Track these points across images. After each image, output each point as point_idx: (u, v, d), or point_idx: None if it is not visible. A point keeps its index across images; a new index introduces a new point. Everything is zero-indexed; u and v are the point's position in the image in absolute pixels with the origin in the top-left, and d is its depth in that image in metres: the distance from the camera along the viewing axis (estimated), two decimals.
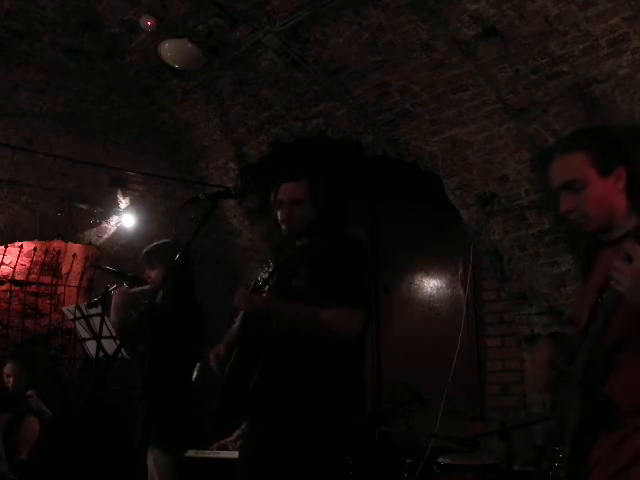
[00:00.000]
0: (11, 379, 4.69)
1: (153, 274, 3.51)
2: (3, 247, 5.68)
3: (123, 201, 5.78)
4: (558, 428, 1.70)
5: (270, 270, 2.57)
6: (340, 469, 2.45)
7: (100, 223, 5.71)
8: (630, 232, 1.66)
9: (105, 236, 5.77)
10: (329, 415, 2.33)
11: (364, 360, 2.58)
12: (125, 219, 5.76)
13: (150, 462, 3.31)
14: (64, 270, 6.33)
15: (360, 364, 2.54)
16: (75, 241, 5.78)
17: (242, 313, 2.50)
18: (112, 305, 3.40)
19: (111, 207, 5.73)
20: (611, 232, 1.78)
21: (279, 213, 2.59)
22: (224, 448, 4.39)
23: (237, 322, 2.56)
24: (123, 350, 3.37)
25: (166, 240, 3.79)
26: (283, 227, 2.58)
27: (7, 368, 4.75)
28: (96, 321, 3.42)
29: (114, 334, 3.41)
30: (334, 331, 2.32)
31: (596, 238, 1.84)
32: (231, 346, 2.51)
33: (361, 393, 2.54)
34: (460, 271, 5.51)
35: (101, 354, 3.38)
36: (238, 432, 4.38)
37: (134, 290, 3.45)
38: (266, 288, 2.50)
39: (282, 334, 2.39)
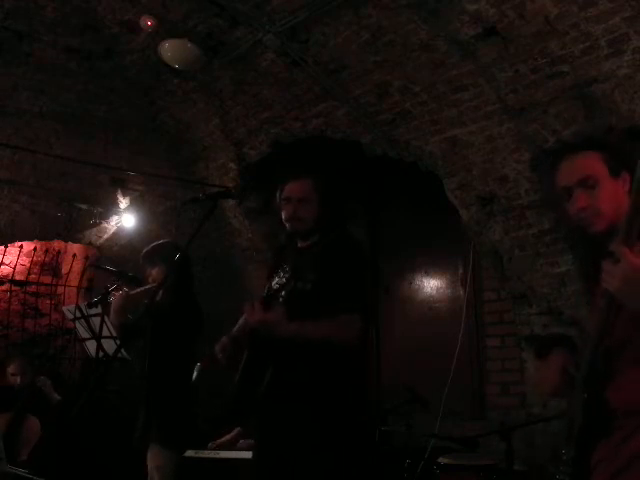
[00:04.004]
0: (17, 377, 4.66)
1: (155, 272, 3.52)
2: (3, 247, 5.67)
3: (123, 201, 5.78)
4: (565, 431, 1.72)
5: (287, 276, 2.56)
6: (348, 470, 2.46)
7: (100, 223, 5.71)
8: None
9: (105, 236, 5.76)
10: (335, 417, 2.36)
11: (366, 362, 2.61)
12: (125, 219, 5.76)
13: (150, 461, 3.32)
14: (64, 270, 6.33)
15: (362, 366, 2.58)
16: (75, 241, 5.77)
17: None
18: (111, 309, 3.41)
19: (111, 207, 5.73)
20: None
21: (285, 211, 2.59)
22: (220, 447, 4.39)
23: (243, 318, 2.57)
24: (123, 350, 3.38)
25: (166, 240, 3.80)
26: (288, 225, 2.59)
27: (11, 367, 4.72)
28: (96, 321, 3.42)
29: (114, 334, 3.41)
30: (335, 339, 2.36)
31: (603, 244, 1.82)
32: (238, 340, 2.52)
33: (363, 394, 2.57)
34: (460, 271, 5.51)
35: (101, 354, 3.38)
36: (232, 433, 4.38)
37: (137, 291, 3.45)
38: (282, 293, 2.50)
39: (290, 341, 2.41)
